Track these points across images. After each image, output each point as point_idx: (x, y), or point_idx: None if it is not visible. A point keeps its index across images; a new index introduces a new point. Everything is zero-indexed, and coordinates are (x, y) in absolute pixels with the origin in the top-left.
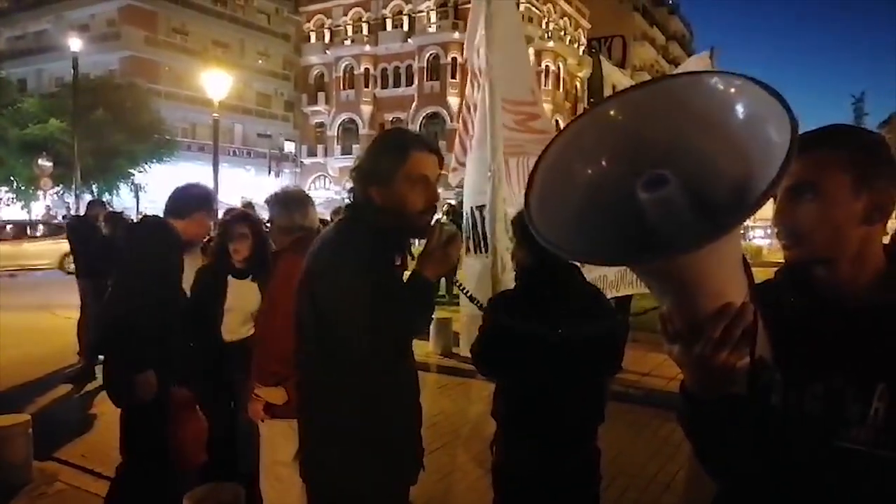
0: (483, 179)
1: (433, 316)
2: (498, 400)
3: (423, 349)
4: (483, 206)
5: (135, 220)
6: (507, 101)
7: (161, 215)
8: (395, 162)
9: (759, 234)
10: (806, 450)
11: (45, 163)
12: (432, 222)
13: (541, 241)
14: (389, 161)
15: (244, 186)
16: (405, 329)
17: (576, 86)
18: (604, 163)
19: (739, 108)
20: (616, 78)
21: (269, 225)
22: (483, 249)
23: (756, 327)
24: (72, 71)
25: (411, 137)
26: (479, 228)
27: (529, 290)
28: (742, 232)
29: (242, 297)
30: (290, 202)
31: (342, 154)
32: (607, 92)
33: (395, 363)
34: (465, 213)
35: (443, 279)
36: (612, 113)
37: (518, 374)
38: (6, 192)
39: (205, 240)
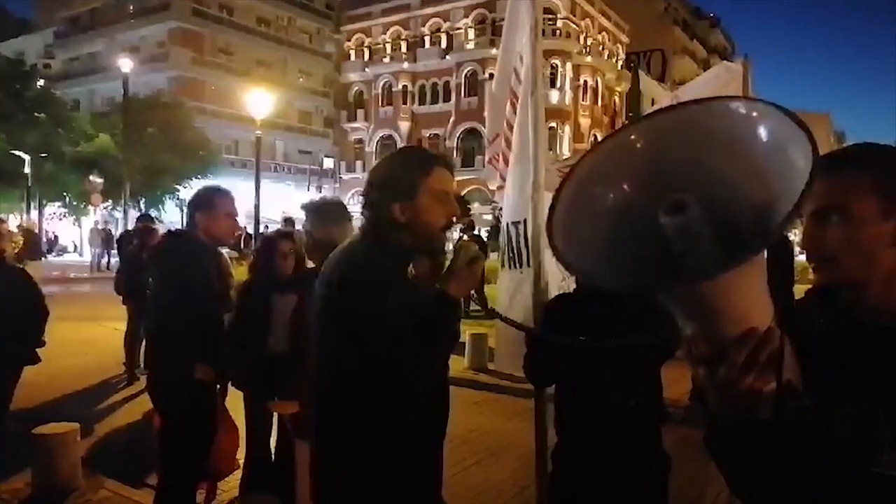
0: (519, 195)
1: (467, 331)
2: (561, 411)
3: (458, 365)
4: (518, 221)
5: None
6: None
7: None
8: (420, 176)
9: None
10: (838, 476)
11: (96, 179)
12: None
13: (562, 264)
14: (413, 175)
15: (285, 201)
16: (433, 349)
17: (614, 100)
18: (626, 188)
19: (759, 134)
20: (655, 92)
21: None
22: (517, 264)
23: (782, 352)
24: (122, 91)
25: (432, 153)
26: (514, 243)
27: (586, 295)
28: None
29: (289, 310)
30: (327, 213)
31: None
32: (646, 106)
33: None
34: (502, 229)
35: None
36: (633, 138)
37: (575, 381)
38: (59, 206)
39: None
